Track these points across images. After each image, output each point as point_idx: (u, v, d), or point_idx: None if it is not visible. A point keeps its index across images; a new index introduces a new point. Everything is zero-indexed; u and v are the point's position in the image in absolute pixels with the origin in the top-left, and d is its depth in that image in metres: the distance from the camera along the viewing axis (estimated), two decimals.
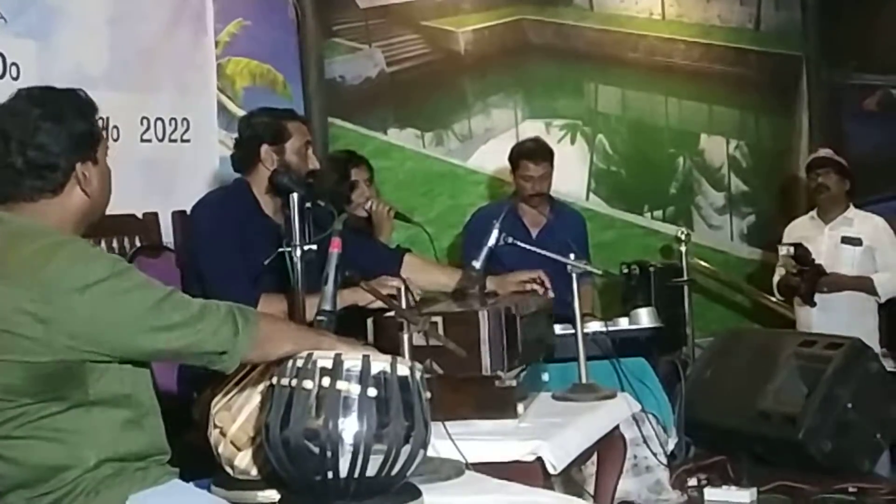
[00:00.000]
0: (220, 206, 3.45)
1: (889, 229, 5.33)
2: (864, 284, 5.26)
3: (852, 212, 5.44)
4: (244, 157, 3.46)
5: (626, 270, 5.33)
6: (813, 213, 5.55)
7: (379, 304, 2.86)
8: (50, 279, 1.99)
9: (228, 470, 2.36)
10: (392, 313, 2.75)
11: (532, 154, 4.85)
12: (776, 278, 5.57)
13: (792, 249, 5.28)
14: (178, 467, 2.24)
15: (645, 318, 4.17)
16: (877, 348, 5.06)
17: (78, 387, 2.05)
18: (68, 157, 2.12)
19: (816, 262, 5.29)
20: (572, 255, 3.42)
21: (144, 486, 2.11)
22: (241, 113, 4.60)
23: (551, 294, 3.54)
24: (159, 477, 2.16)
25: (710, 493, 4.44)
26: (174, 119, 4.59)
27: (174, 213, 4.22)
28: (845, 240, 5.34)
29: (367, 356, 2.14)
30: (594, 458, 3.43)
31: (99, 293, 2.00)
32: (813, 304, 5.32)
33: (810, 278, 5.26)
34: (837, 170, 5.40)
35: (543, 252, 3.56)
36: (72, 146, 2.13)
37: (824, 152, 5.56)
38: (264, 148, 3.41)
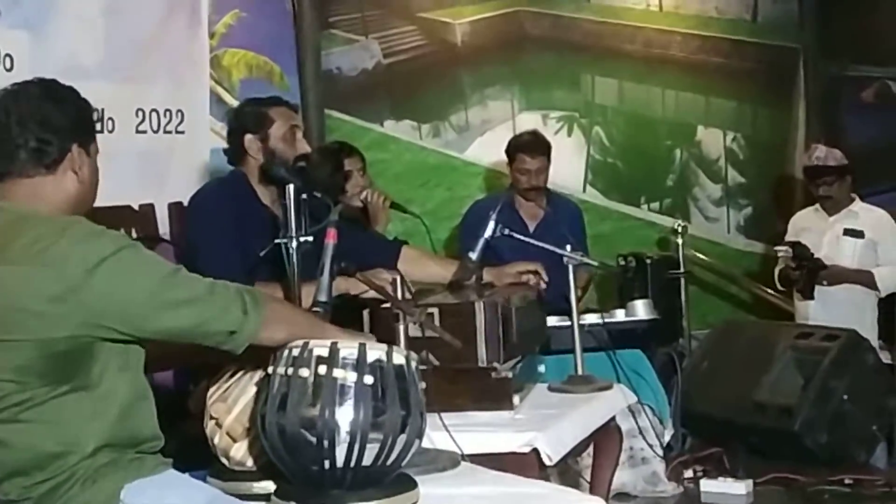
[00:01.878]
0: (217, 195, 3.45)
1: (893, 223, 5.28)
2: (864, 278, 5.21)
3: (858, 205, 5.38)
4: (233, 149, 3.46)
5: (622, 262, 5.32)
6: (817, 205, 5.49)
7: (372, 293, 2.86)
8: (60, 257, 2.01)
9: (224, 461, 2.36)
10: (388, 304, 2.75)
11: (528, 147, 4.84)
12: (778, 268, 5.55)
13: (790, 249, 5.25)
14: (175, 459, 2.24)
15: (641, 309, 4.17)
16: (875, 341, 5.06)
17: (84, 369, 2.06)
18: (65, 137, 2.16)
19: (816, 255, 5.25)
20: (568, 247, 3.42)
21: (140, 475, 2.12)
22: (237, 105, 4.59)
23: (543, 286, 3.53)
24: (155, 467, 2.17)
25: (706, 484, 4.46)
26: (169, 110, 4.59)
27: (170, 205, 4.21)
28: (847, 232, 5.30)
29: (364, 344, 2.13)
30: (590, 449, 3.43)
31: (109, 269, 2.02)
32: (811, 298, 5.30)
33: (809, 272, 5.24)
34: (838, 174, 5.29)
35: (540, 244, 3.56)
36: (70, 127, 2.17)
37: (818, 157, 5.35)
38: (248, 138, 3.39)
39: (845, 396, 4.60)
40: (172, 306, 2.07)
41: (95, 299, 2.01)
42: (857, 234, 5.27)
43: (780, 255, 5.34)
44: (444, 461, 2.56)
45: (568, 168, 6.23)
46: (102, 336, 2.06)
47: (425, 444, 2.27)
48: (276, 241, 2.95)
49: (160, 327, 2.08)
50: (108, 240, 2.07)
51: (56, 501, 2.06)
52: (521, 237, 3.55)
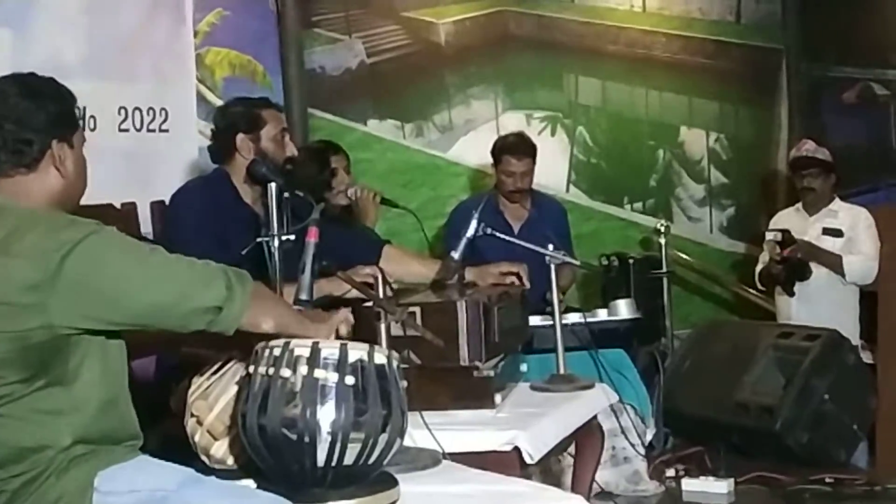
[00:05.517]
0: (199, 194, 3.44)
1: (869, 218, 5.31)
2: (833, 261, 5.24)
3: (837, 204, 5.43)
4: (221, 147, 3.46)
5: (605, 262, 5.34)
6: (798, 205, 5.55)
7: (355, 293, 2.86)
8: (35, 246, 2.01)
9: (205, 459, 2.36)
10: (370, 303, 2.75)
11: (514, 149, 4.83)
12: (758, 268, 5.58)
13: (780, 235, 5.28)
14: (154, 457, 2.23)
15: (624, 309, 4.18)
16: (856, 341, 5.09)
17: (61, 362, 2.06)
18: (44, 134, 2.16)
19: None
20: (550, 246, 3.43)
21: (112, 462, 2.12)
22: (220, 103, 4.59)
23: (527, 285, 3.53)
24: (127, 453, 2.17)
25: (687, 483, 4.47)
26: (152, 109, 4.58)
27: (152, 204, 4.20)
28: (827, 231, 5.34)
29: (345, 345, 2.14)
30: (572, 448, 3.44)
31: (80, 254, 2.01)
32: (792, 294, 5.33)
33: (790, 268, 5.27)
34: (823, 169, 5.37)
35: (523, 243, 3.56)
36: (48, 124, 2.16)
37: (807, 149, 5.46)
38: (240, 137, 3.40)
39: (826, 396, 4.62)
40: (150, 282, 2.05)
41: (70, 286, 2.00)
42: (837, 233, 5.31)
43: (768, 238, 5.34)
44: (425, 459, 2.56)
45: (551, 168, 6.23)
46: (81, 326, 2.04)
47: (406, 442, 2.27)
48: (258, 239, 2.95)
49: (139, 307, 2.05)
50: (79, 227, 2.06)
51: (31, 494, 2.06)
52: (503, 236, 3.56)
